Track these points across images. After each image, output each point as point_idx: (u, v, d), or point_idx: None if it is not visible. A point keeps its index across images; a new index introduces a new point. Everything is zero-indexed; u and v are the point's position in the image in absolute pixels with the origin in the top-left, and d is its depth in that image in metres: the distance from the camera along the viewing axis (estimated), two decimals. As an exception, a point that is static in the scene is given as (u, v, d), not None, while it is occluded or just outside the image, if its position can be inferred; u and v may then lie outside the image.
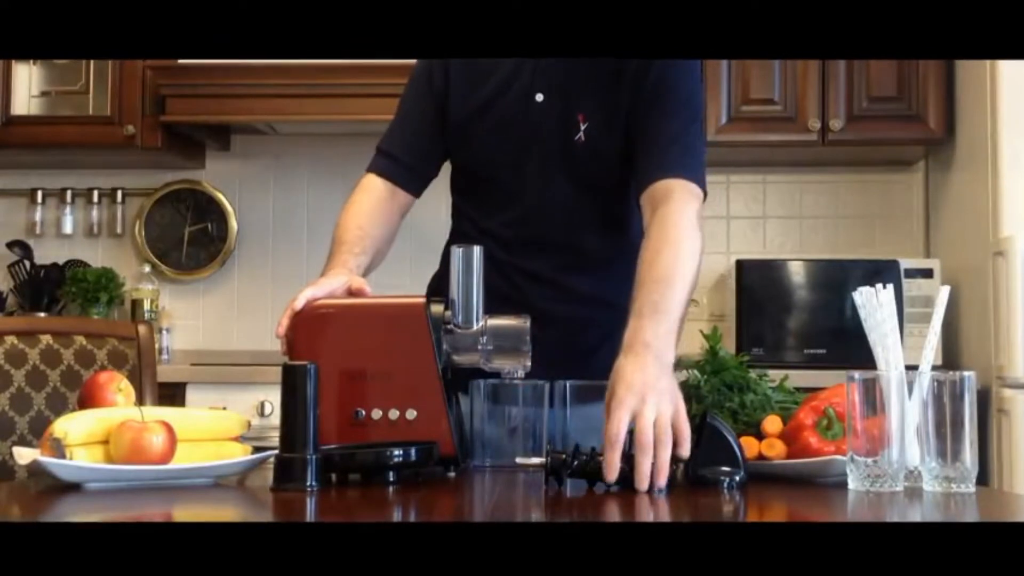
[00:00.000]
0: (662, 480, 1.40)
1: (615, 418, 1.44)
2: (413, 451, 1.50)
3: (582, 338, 1.91)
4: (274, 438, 1.49)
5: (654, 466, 1.41)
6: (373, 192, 1.95)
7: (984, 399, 3.04)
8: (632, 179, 1.87)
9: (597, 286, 1.92)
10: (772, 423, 1.55)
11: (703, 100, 1.97)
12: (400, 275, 3.53)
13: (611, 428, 1.43)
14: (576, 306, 1.92)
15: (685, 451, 1.44)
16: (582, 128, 1.87)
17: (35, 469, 1.41)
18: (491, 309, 1.69)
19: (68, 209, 3.97)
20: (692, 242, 1.71)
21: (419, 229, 3.50)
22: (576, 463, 1.43)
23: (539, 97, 1.89)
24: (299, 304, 1.64)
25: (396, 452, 1.49)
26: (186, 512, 1.37)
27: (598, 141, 1.87)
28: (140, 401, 1.80)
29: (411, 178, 1.98)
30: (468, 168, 1.98)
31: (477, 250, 1.67)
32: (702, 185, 1.80)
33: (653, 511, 1.34)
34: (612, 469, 1.41)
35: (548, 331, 1.80)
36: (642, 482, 1.40)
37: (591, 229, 1.92)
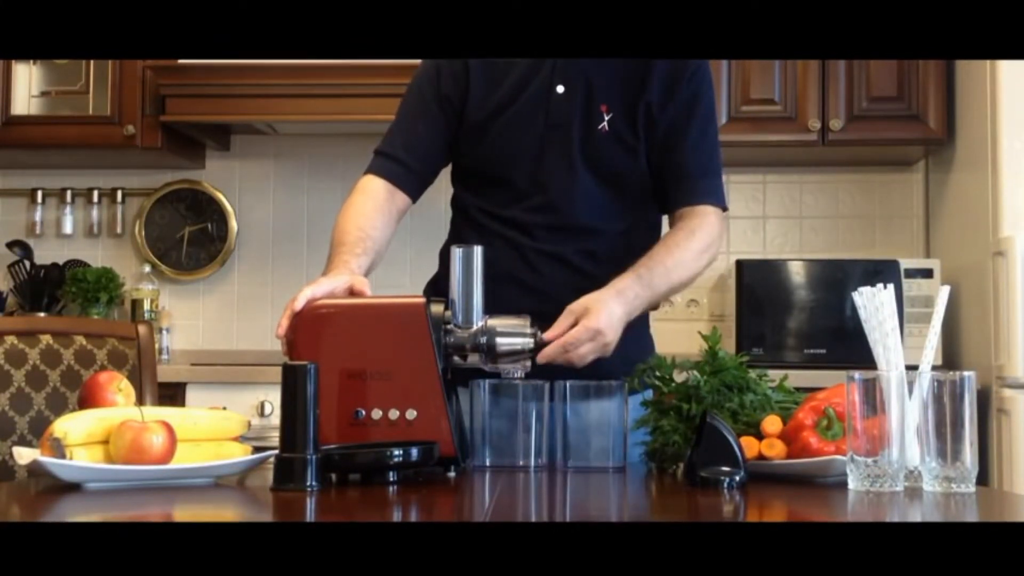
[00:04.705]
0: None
1: (560, 324, 1.70)
2: (413, 451, 1.50)
3: None
4: (274, 438, 1.49)
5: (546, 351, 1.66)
6: (372, 194, 1.94)
7: (984, 399, 3.04)
8: (661, 192, 1.96)
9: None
10: (772, 423, 1.55)
11: None
12: (400, 275, 3.55)
13: (552, 332, 1.68)
14: None
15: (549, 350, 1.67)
16: (606, 118, 1.90)
17: (35, 469, 1.41)
18: (510, 296, 1.68)
19: (68, 209, 3.96)
20: (704, 252, 1.90)
21: (419, 229, 3.51)
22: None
23: (560, 89, 1.91)
24: (299, 304, 1.64)
25: (396, 452, 1.49)
26: (186, 512, 1.37)
27: (622, 131, 1.90)
28: (140, 401, 1.80)
29: (412, 181, 1.97)
30: (485, 164, 1.97)
31: (477, 250, 1.66)
32: (725, 203, 1.98)
33: (653, 511, 1.34)
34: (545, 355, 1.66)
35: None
36: (544, 351, 1.66)
37: (615, 218, 1.94)
